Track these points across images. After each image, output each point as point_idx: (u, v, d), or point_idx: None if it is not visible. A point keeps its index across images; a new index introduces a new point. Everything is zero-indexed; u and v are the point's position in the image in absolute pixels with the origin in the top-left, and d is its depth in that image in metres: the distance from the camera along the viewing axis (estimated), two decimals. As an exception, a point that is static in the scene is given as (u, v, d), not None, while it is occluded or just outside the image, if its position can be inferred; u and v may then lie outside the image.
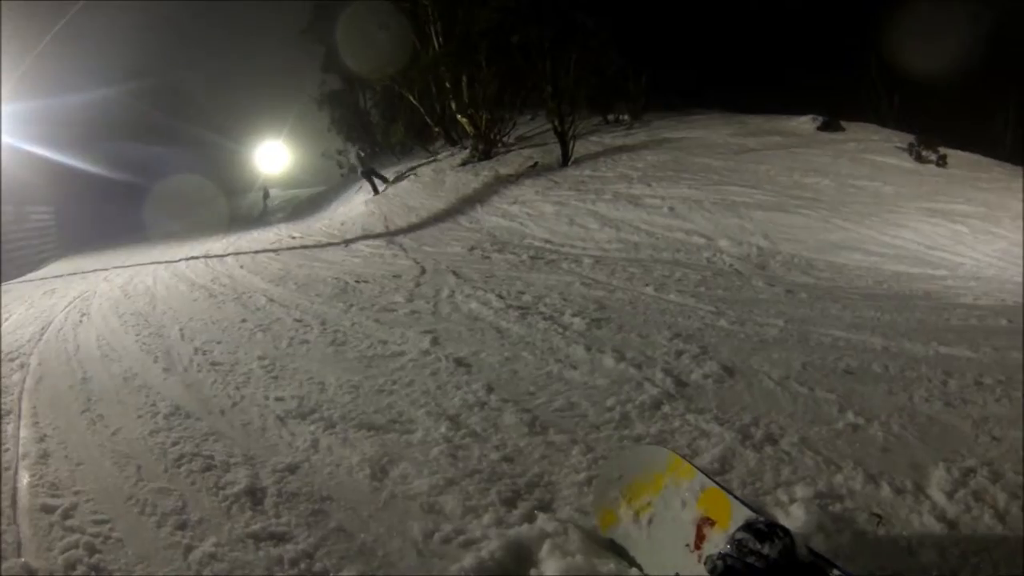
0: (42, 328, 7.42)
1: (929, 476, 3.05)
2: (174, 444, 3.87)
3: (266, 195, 26.80)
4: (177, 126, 31.60)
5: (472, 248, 10.17)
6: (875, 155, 13.19)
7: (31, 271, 15.35)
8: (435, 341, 5.65)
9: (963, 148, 13.85)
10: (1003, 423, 3.57)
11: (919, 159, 12.88)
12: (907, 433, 3.52)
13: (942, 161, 12.72)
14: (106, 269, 12.89)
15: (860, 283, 7.31)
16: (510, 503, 3.07)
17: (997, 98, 16.85)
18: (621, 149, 15.47)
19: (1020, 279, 7.32)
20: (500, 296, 7.03)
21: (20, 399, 4.86)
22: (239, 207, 25.62)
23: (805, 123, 16.17)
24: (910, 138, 13.75)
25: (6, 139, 17.27)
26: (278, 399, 4.52)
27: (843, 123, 15.90)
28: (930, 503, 2.86)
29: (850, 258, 8.43)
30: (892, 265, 8.09)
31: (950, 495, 2.89)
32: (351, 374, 4.99)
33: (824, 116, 16.06)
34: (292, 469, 3.50)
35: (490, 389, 4.51)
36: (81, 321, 7.65)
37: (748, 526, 2.00)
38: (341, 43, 21.68)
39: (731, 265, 8.33)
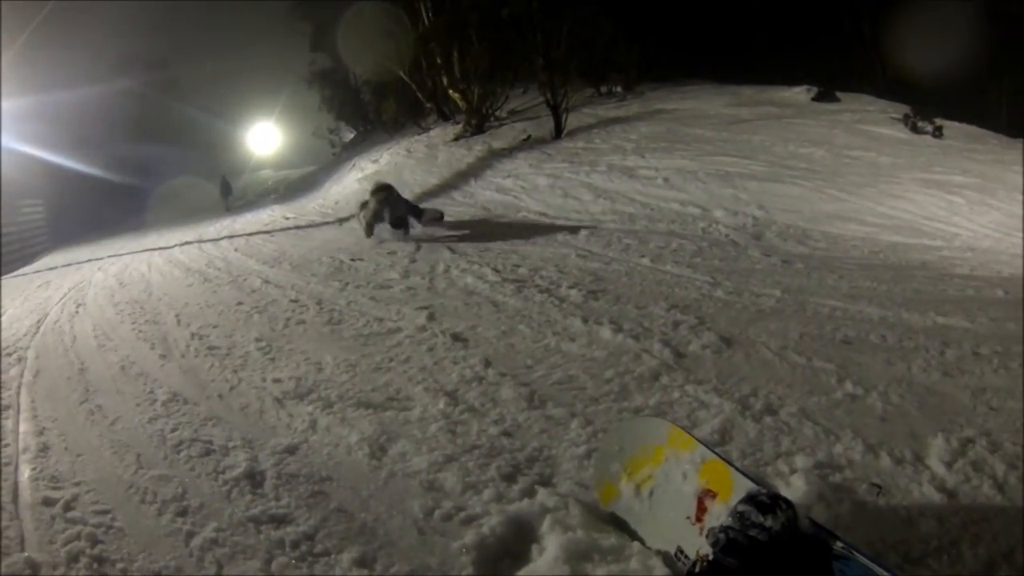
0: (38, 321, 7.36)
1: (928, 446, 3.06)
2: (173, 430, 3.86)
3: (227, 189, 22.70)
4: (169, 117, 31.33)
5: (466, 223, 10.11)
6: (870, 126, 13.14)
7: (25, 265, 15.17)
8: (431, 317, 5.63)
9: (958, 120, 13.80)
10: (1001, 394, 3.59)
11: (915, 130, 12.83)
12: (906, 403, 3.53)
13: (938, 132, 12.66)
14: (100, 259, 12.75)
15: (856, 253, 7.29)
16: (510, 478, 3.07)
17: (991, 71, 16.76)
18: (614, 121, 15.38)
19: (1014, 250, 7.32)
20: (496, 270, 7.01)
21: (19, 393, 4.82)
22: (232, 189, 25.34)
23: (799, 94, 16.10)
24: (905, 109, 13.69)
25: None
26: (276, 381, 4.50)
27: (838, 94, 15.81)
28: (929, 473, 2.87)
29: (846, 228, 8.40)
30: (888, 236, 8.07)
31: (949, 465, 2.90)
32: (348, 353, 4.97)
33: (818, 87, 15.97)
34: (291, 450, 3.49)
35: (487, 363, 4.50)
36: (77, 312, 7.60)
37: (750, 498, 1.99)
38: (330, 24, 21.63)
39: (727, 235, 8.30)
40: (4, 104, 16.97)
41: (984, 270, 6.48)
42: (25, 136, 19.08)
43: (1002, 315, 4.89)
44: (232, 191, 23.10)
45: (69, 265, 13.07)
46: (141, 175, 25.45)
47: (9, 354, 5.93)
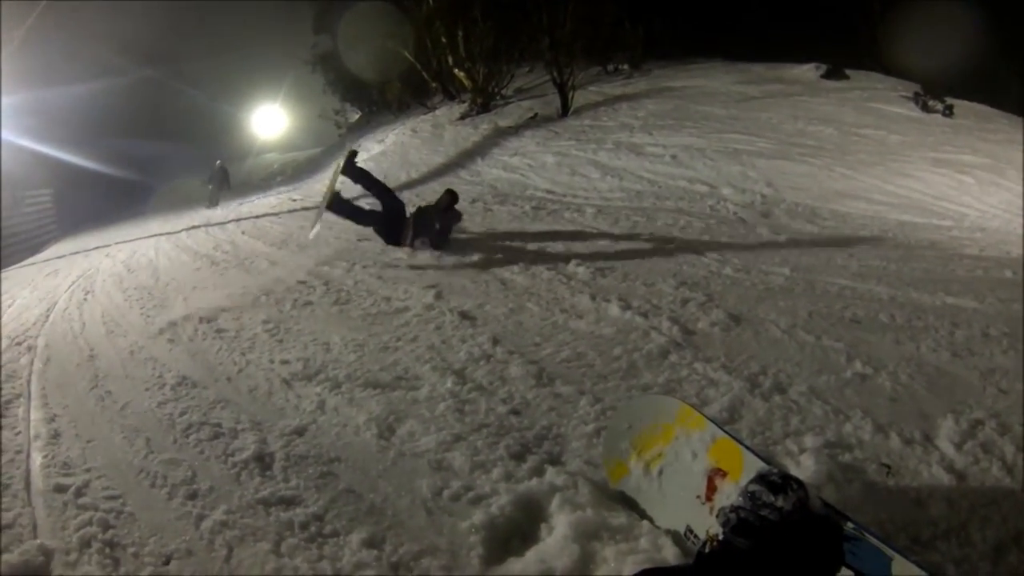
0: (47, 309, 7.33)
1: (937, 427, 3.06)
2: (182, 414, 3.86)
3: (223, 178, 18.70)
4: (174, 109, 31.08)
5: (473, 201, 10.03)
6: (880, 103, 13.01)
7: (33, 254, 15.13)
8: (439, 295, 5.61)
9: (969, 99, 13.65)
10: (1010, 375, 3.57)
11: (925, 108, 12.71)
12: (915, 383, 3.52)
13: (948, 111, 12.54)
14: (107, 246, 12.65)
15: (865, 232, 7.24)
16: (519, 457, 3.07)
17: (1003, 51, 16.51)
18: (621, 98, 15.27)
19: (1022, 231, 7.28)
20: (503, 247, 7.00)
21: (29, 381, 4.81)
22: (236, 174, 25.07)
23: (808, 71, 15.92)
24: (915, 87, 13.55)
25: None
26: (284, 362, 4.49)
27: (847, 71, 15.65)
28: (939, 454, 2.87)
29: (855, 207, 8.35)
30: (897, 214, 8.02)
31: (958, 446, 2.90)
32: (356, 333, 4.97)
33: (827, 64, 15.81)
34: (299, 432, 3.50)
35: (495, 341, 4.50)
36: (85, 299, 7.55)
37: (761, 478, 1.98)
38: (333, 7, 21.55)
39: (735, 213, 8.26)
40: (4, 99, 16.90)
41: (993, 250, 6.43)
42: (25, 130, 18.92)
43: (1011, 296, 4.86)
44: (230, 182, 19.28)
45: (77, 253, 12.98)
46: (146, 172, 25.03)
47: (19, 343, 5.92)
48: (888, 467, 2.76)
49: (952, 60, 13.69)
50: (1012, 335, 4.09)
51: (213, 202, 17.53)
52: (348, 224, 8.50)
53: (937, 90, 13.01)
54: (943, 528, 2.43)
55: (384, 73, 22.15)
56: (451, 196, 7.57)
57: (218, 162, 19.28)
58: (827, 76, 15.51)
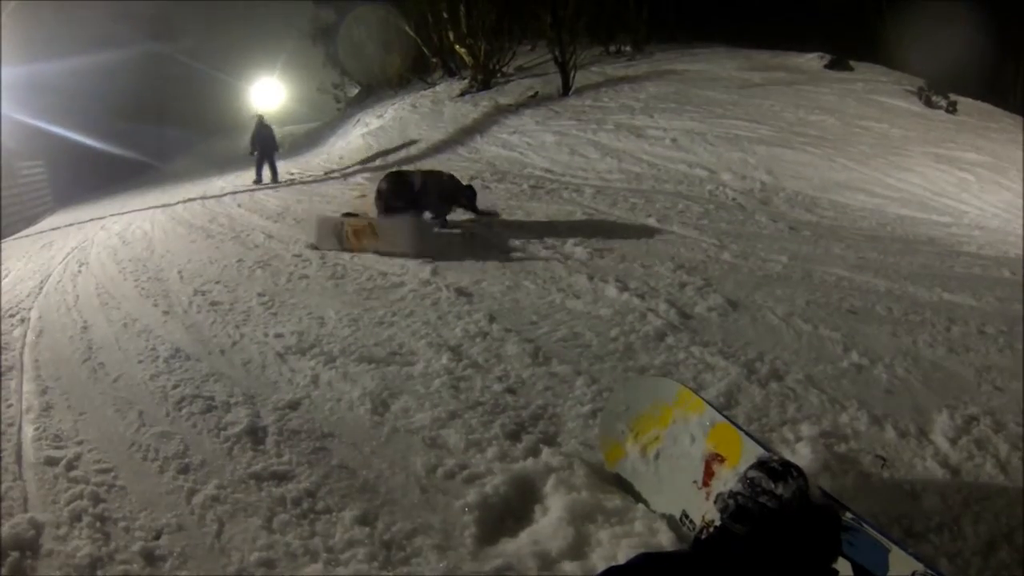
0: (41, 281, 7.26)
1: (932, 421, 3.06)
2: (175, 387, 3.83)
3: (269, 143, 14.21)
4: (175, 89, 30.68)
5: (472, 178, 9.97)
6: (883, 96, 12.94)
7: (27, 226, 14.95)
8: (435, 271, 5.60)
9: (972, 96, 13.60)
10: (1005, 374, 3.57)
11: (928, 104, 12.64)
12: (911, 377, 3.52)
13: (951, 107, 12.48)
14: (103, 218, 12.47)
15: (864, 224, 7.24)
16: (514, 436, 3.06)
17: (1009, 50, 16.42)
18: (623, 80, 15.19)
19: (1022, 231, 7.28)
20: (501, 225, 6.97)
21: (22, 354, 4.77)
22: (233, 148, 24.61)
23: (812, 60, 15.84)
24: (919, 81, 13.49)
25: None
26: (278, 336, 4.47)
27: (851, 63, 15.57)
28: (933, 448, 2.87)
29: (854, 198, 8.34)
30: (896, 208, 8.02)
31: (953, 442, 2.90)
32: (351, 307, 4.94)
33: (831, 54, 15.72)
34: (293, 406, 3.48)
35: (492, 319, 4.48)
36: (80, 271, 7.47)
37: (761, 465, 1.96)
38: None
39: (734, 199, 8.25)
40: (4, 71, 16.70)
41: (991, 249, 6.43)
42: (19, 103, 18.60)
43: (1008, 295, 4.88)
44: (277, 143, 14.88)
45: (72, 225, 12.80)
46: (147, 153, 24.54)
47: (12, 315, 5.86)
48: (883, 459, 2.75)
49: (957, 57, 13.63)
50: (1009, 334, 4.10)
51: (265, 172, 13.92)
52: (347, 198, 8.47)
53: (941, 86, 12.93)
54: (936, 522, 2.43)
55: (385, 49, 22.01)
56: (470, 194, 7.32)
57: (258, 117, 14.89)
58: (831, 66, 15.41)
